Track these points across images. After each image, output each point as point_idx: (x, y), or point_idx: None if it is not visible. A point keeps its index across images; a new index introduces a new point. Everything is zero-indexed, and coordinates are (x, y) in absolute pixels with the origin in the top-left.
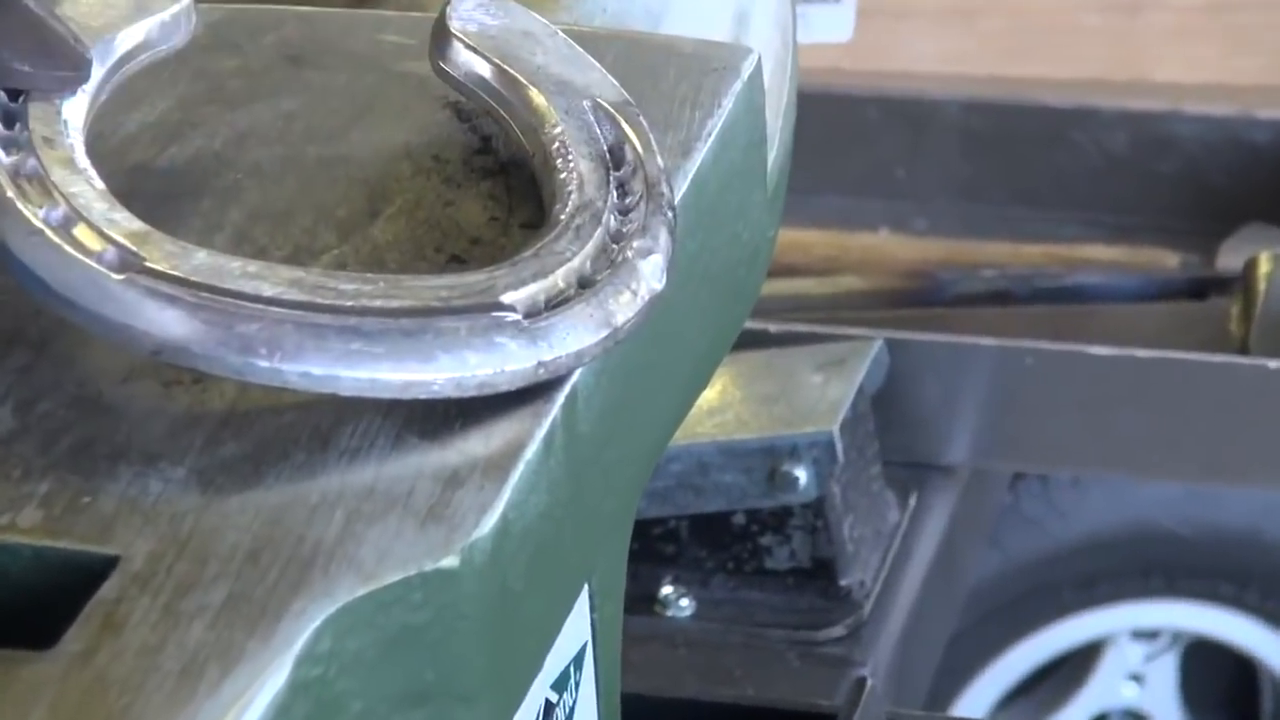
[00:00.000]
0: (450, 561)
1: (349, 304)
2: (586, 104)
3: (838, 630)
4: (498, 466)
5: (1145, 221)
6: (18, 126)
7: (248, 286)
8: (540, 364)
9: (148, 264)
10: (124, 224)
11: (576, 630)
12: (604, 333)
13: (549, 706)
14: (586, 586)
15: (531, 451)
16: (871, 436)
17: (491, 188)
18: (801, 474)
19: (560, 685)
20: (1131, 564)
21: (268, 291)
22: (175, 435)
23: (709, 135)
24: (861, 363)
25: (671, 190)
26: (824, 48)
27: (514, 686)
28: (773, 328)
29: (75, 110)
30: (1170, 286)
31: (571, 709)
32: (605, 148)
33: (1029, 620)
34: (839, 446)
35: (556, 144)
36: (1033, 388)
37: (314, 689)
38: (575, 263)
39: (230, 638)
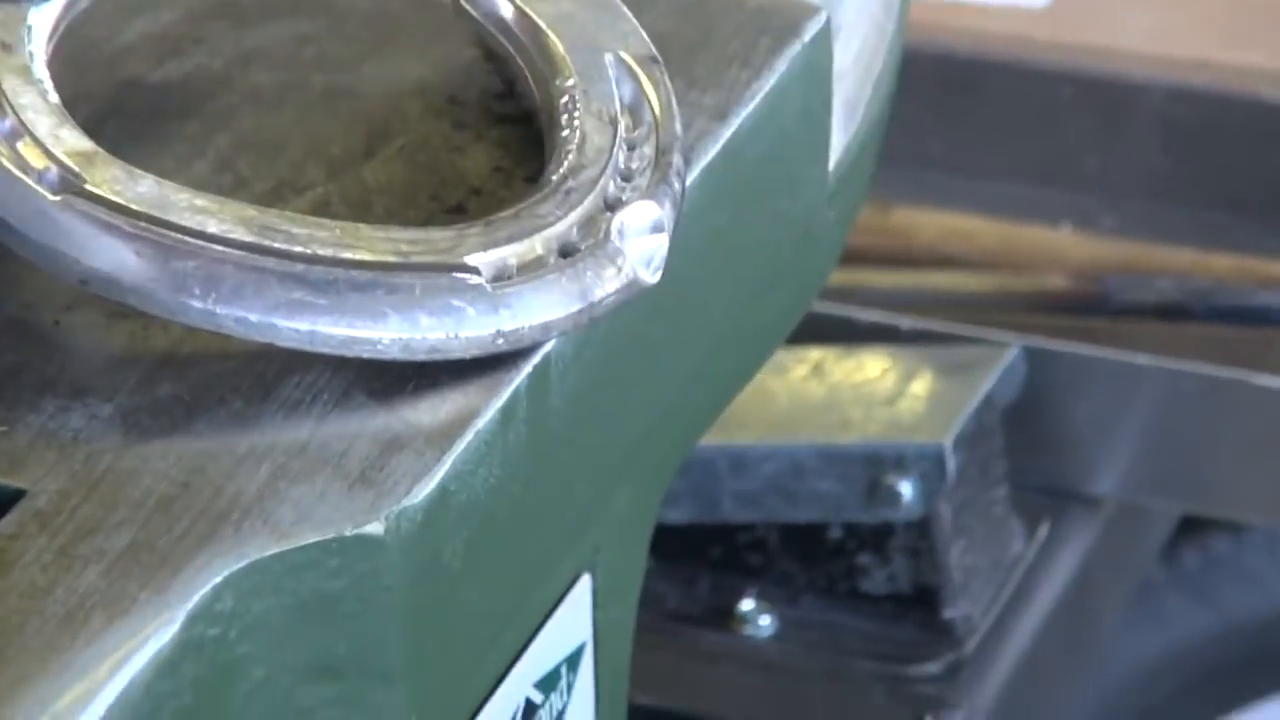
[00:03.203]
0: (373, 528)
1: (298, 249)
2: (609, 57)
3: (933, 667)
4: (444, 434)
5: None
6: None
7: (191, 221)
8: (499, 333)
9: (88, 187)
10: (70, 142)
11: (572, 627)
12: (577, 306)
13: (530, 706)
14: (590, 582)
15: (484, 421)
16: (999, 454)
17: (506, 136)
18: (906, 488)
19: (547, 685)
20: None
21: (212, 228)
22: (109, 371)
23: (752, 99)
24: (991, 370)
25: (684, 159)
26: (1017, 12)
27: (444, 671)
28: (904, 324)
29: (44, 17)
30: None
31: (561, 712)
32: (618, 107)
33: (1247, 692)
34: (950, 461)
35: (565, 98)
36: (1195, 418)
37: (209, 649)
38: (558, 228)
39: (123, 587)
